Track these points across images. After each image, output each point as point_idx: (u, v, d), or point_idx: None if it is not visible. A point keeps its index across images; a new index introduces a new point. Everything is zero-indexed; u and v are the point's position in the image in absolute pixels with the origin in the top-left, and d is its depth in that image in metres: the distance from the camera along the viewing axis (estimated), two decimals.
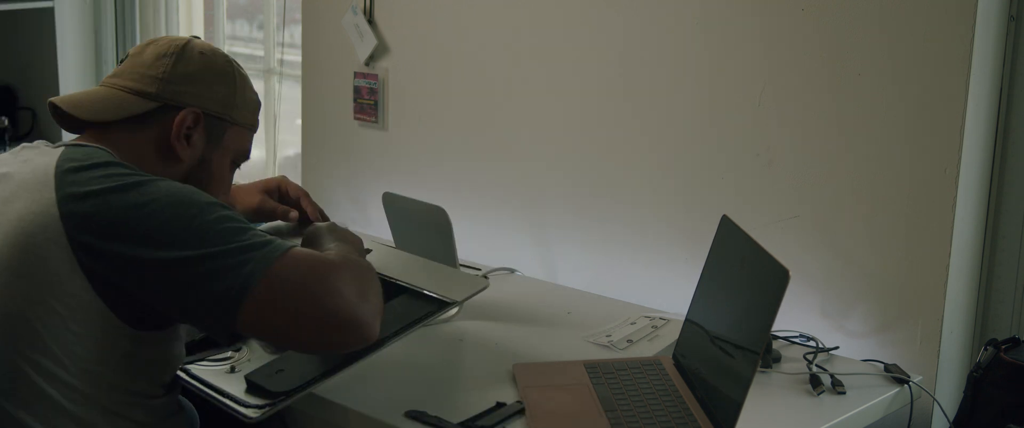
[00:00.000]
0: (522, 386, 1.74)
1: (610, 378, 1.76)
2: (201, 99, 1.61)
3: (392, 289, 1.81)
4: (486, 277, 2.07)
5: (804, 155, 2.07)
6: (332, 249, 1.58)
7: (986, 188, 1.97)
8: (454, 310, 2.03)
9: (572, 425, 1.63)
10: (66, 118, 1.61)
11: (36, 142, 1.62)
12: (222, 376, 1.71)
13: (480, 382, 1.79)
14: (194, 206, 1.43)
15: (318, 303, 1.39)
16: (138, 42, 3.65)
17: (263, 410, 1.58)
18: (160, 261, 1.39)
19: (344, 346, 1.44)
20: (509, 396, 1.73)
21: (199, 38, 1.69)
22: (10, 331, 1.44)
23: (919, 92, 1.92)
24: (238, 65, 1.69)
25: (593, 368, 1.80)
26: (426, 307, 1.77)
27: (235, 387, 1.66)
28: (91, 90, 1.65)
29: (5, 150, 3.44)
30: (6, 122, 3.45)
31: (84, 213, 1.41)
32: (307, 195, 1.99)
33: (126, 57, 1.65)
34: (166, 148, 1.59)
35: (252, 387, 1.64)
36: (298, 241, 1.61)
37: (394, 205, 2.26)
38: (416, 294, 1.82)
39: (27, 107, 3.59)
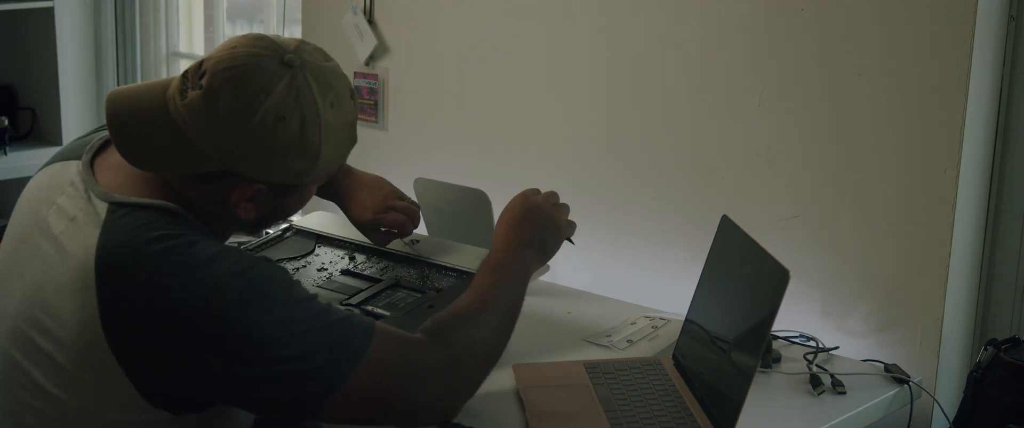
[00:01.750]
0: (522, 386, 1.74)
1: (610, 378, 1.76)
2: (265, 175, 1.38)
3: (458, 274, 1.97)
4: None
5: (804, 155, 2.07)
6: (502, 256, 1.57)
7: (986, 188, 1.96)
8: None
9: (572, 425, 1.63)
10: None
11: (74, 169, 1.43)
12: None
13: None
14: (254, 307, 1.29)
15: (400, 406, 1.35)
16: (138, 42, 3.64)
17: None
18: (219, 374, 1.29)
19: (434, 423, 1.43)
20: (509, 396, 1.73)
21: (296, 64, 1.37)
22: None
23: (919, 92, 1.91)
24: (328, 115, 1.39)
25: (593, 368, 1.80)
26: None
27: None
28: (159, 104, 1.37)
29: (6, 151, 3.44)
30: (6, 122, 3.44)
31: (128, 324, 1.28)
32: (412, 214, 1.96)
33: (207, 66, 1.35)
34: (224, 207, 1.42)
35: None
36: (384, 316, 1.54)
37: (428, 190, 2.28)
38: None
39: (27, 107, 3.59)
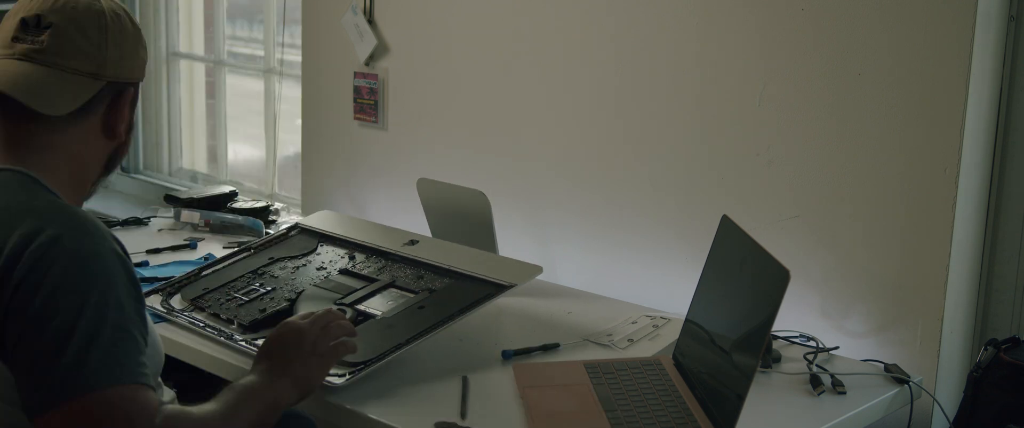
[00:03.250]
0: (522, 386, 1.75)
1: (610, 378, 1.76)
2: (135, 72, 1.57)
3: (452, 276, 2.00)
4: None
5: (804, 155, 2.07)
6: (250, 391, 1.49)
7: (986, 188, 1.97)
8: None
9: (572, 425, 1.63)
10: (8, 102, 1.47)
11: None
12: None
13: (481, 383, 1.79)
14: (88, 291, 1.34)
15: None
16: None
17: (346, 377, 1.70)
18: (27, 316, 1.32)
19: None
20: (509, 396, 1.73)
21: None
22: None
23: (919, 92, 1.92)
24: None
25: (593, 368, 1.80)
26: (485, 290, 1.93)
27: None
28: (21, 68, 1.49)
29: None
30: None
31: None
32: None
33: (32, 19, 1.50)
34: (108, 130, 1.54)
35: None
36: (149, 376, 1.43)
37: (430, 191, 2.29)
38: (472, 278, 1.97)
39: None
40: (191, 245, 2.58)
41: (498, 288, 1.94)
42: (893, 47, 1.93)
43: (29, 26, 1.50)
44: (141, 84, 1.61)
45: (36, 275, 1.33)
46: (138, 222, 2.78)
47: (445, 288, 1.97)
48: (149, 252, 2.50)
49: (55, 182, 1.48)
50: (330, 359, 1.62)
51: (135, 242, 2.53)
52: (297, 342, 1.59)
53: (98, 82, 1.51)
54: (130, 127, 1.59)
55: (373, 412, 1.66)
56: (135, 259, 2.44)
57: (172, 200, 2.87)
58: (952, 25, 1.85)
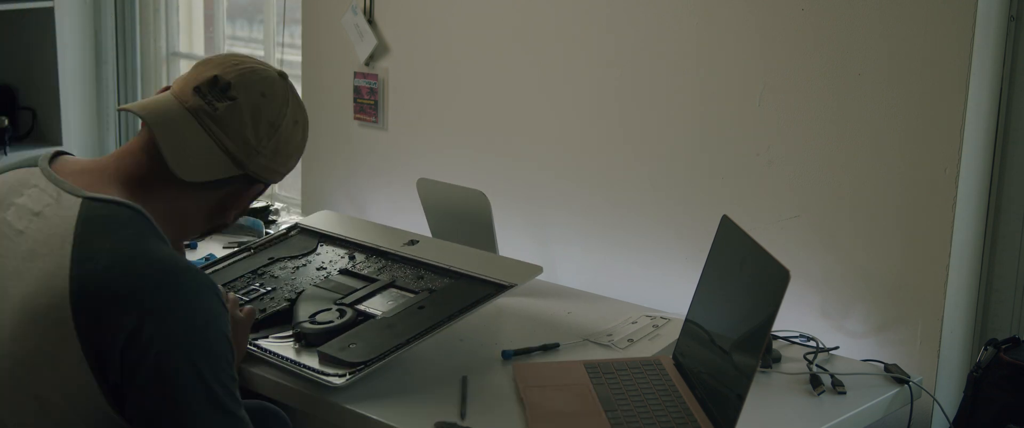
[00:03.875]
0: (522, 386, 1.75)
1: (610, 378, 1.76)
2: (275, 176, 1.58)
3: (452, 276, 2.00)
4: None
5: (804, 155, 2.07)
6: None
7: (986, 188, 1.96)
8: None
9: (572, 425, 1.63)
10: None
11: (34, 174, 1.48)
12: (292, 350, 1.82)
13: (481, 383, 1.79)
14: (209, 357, 1.36)
15: None
16: (138, 43, 3.64)
17: (346, 378, 1.70)
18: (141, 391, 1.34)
19: None
20: (509, 396, 1.73)
21: (287, 78, 1.59)
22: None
23: (919, 92, 1.91)
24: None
25: (593, 368, 1.80)
26: (485, 290, 1.93)
27: (309, 360, 1.78)
28: (184, 119, 1.49)
29: (5, 152, 3.44)
30: (6, 122, 3.44)
31: (96, 306, 1.34)
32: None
33: (224, 84, 1.49)
34: (220, 211, 1.56)
35: (325, 359, 1.75)
36: None
37: (430, 191, 2.29)
38: (472, 278, 1.97)
39: (27, 107, 3.59)
40: (191, 245, 2.58)
41: (498, 288, 1.93)
42: (893, 47, 1.93)
43: (217, 87, 1.50)
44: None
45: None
46: None
47: (445, 288, 1.97)
48: None
49: (165, 230, 1.46)
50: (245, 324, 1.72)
51: None
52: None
53: (238, 169, 1.51)
54: (241, 214, 1.61)
55: (373, 412, 1.66)
56: None
57: None
58: (952, 25, 1.85)
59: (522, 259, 2.10)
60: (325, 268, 2.11)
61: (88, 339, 1.33)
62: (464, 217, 2.26)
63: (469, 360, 1.87)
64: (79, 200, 1.41)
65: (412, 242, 2.14)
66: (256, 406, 1.89)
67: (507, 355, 1.88)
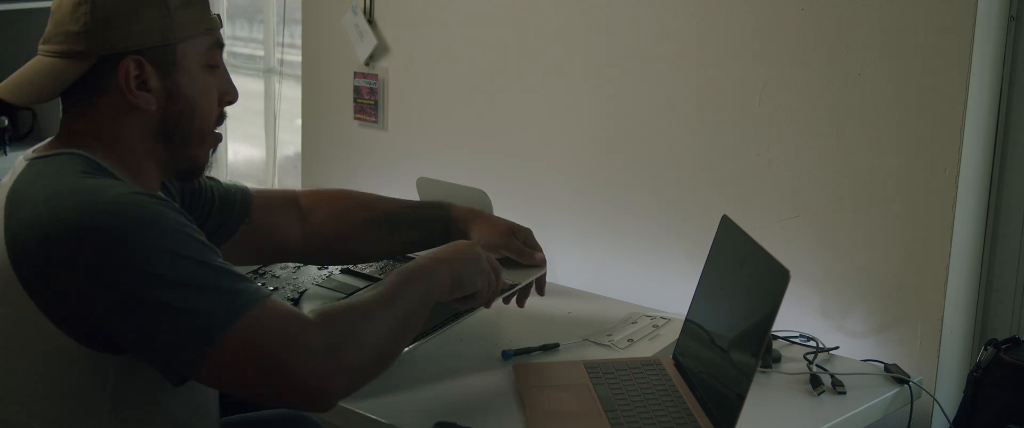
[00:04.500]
0: (522, 386, 1.74)
1: (610, 378, 1.76)
2: (132, 39, 1.44)
3: None
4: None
5: (804, 155, 2.07)
6: (401, 276, 1.50)
7: (986, 188, 1.97)
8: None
9: (572, 425, 1.63)
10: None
11: (31, 151, 1.51)
12: None
13: (481, 383, 1.79)
14: (149, 233, 1.31)
15: (274, 376, 1.31)
16: None
17: None
18: (111, 301, 1.30)
19: (307, 409, 1.39)
20: (509, 396, 1.73)
21: None
22: None
23: (919, 92, 1.92)
24: None
25: (593, 368, 1.80)
26: None
27: None
28: (30, 63, 1.51)
29: (6, 151, 3.44)
30: (6, 122, 3.45)
31: (29, 251, 1.32)
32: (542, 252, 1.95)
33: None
34: (128, 106, 1.46)
35: None
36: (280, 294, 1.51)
37: (430, 189, 2.29)
38: None
39: (27, 107, 3.59)
40: None
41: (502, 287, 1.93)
42: (893, 47, 1.93)
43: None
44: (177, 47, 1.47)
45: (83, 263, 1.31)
46: None
47: None
48: None
49: (115, 166, 1.45)
50: (489, 281, 1.65)
51: None
52: (471, 253, 1.63)
53: (85, 60, 1.44)
54: (173, 94, 1.48)
55: (373, 412, 1.66)
56: None
57: None
58: (952, 25, 1.85)
59: None
60: (327, 267, 2.11)
61: (37, 293, 1.33)
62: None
63: (469, 360, 1.87)
64: (26, 162, 1.45)
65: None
66: (291, 415, 1.88)
67: (507, 355, 1.88)
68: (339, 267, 2.10)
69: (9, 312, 1.36)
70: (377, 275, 2.05)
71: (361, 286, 2.00)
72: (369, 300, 1.44)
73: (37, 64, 1.49)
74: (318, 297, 1.97)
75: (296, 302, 1.97)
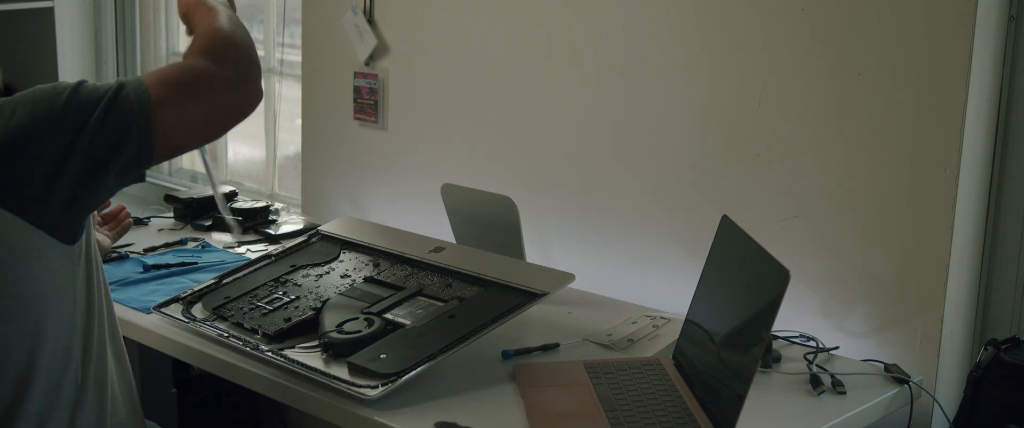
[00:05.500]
0: (522, 386, 1.75)
1: (610, 378, 1.76)
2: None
3: (482, 283, 1.97)
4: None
5: (804, 155, 2.07)
6: (198, 10, 1.64)
7: (986, 188, 1.96)
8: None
9: (572, 425, 1.63)
10: None
11: None
12: (321, 361, 1.80)
13: (481, 383, 1.79)
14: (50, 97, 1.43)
15: (212, 94, 1.49)
16: (138, 43, 3.65)
17: (379, 389, 1.68)
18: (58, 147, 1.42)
19: (244, 115, 1.54)
20: (509, 396, 1.73)
21: None
22: None
23: (919, 92, 1.91)
24: None
25: (593, 368, 1.80)
26: (517, 298, 1.89)
27: (339, 370, 1.75)
28: None
29: None
30: None
31: None
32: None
33: None
34: None
35: (355, 370, 1.73)
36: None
37: (455, 196, 2.27)
38: (502, 286, 1.94)
39: None
40: (182, 242, 2.61)
41: (530, 296, 1.89)
42: (893, 47, 1.93)
43: None
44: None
45: None
46: (138, 222, 2.79)
47: (475, 296, 1.93)
48: (147, 251, 2.53)
49: None
50: None
51: (135, 242, 2.58)
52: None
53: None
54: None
55: (373, 412, 1.66)
56: (134, 257, 2.46)
57: (172, 200, 2.88)
58: (952, 25, 1.85)
59: (522, 258, 2.10)
60: (349, 276, 2.08)
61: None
62: (490, 223, 2.23)
63: (469, 360, 1.87)
64: None
65: (438, 249, 2.11)
66: None
67: (507, 355, 1.88)
68: (362, 276, 2.08)
69: None
70: (401, 283, 2.02)
71: (385, 295, 1.98)
72: (215, 25, 1.60)
73: None
74: (340, 307, 1.95)
75: (318, 312, 1.94)
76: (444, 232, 2.34)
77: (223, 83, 1.50)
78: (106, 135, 1.42)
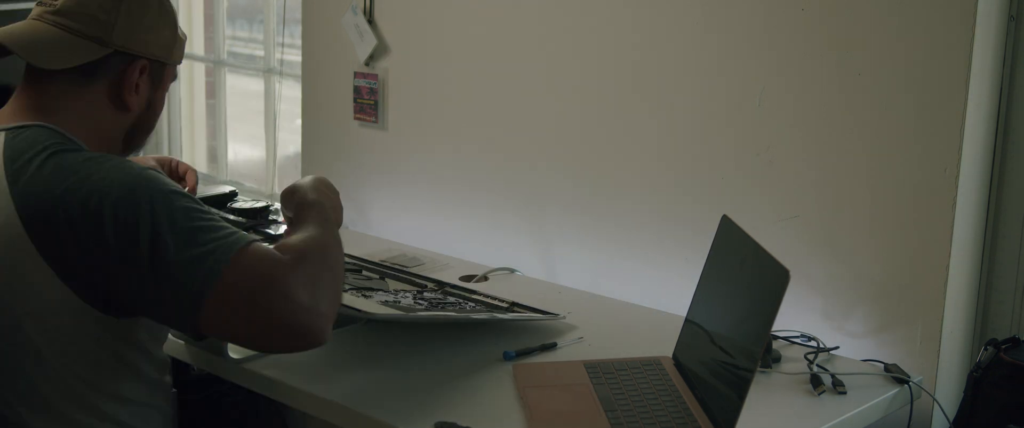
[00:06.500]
0: (522, 386, 1.75)
1: (610, 378, 1.76)
2: (149, 47, 1.60)
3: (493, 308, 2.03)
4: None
5: (804, 155, 2.07)
6: (309, 213, 1.55)
7: (986, 188, 1.97)
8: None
9: (572, 425, 1.63)
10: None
11: None
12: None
13: (481, 383, 1.79)
14: (149, 199, 1.41)
15: (268, 312, 1.37)
16: None
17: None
18: (120, 259, 1.40)
19: (294, 350, 1.42)
20: (509, 396, 1.73)
21: None
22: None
23: (919, 92, 1.91)
24: None
25: (593, 368, 1.80)
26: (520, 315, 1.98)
27: None
28: (32, 25, 1.60)
29: None
30: None
31: (43, 213, 1.42)
32: (193, 172, 2.09)
33: None
34: (117, 100, 1.59)
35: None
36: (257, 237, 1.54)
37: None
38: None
39: None
40: None
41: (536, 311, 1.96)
42: (893, 47, 1.93)
43: None
44: (167, 67, 1.66)
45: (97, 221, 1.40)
46: None
47: (478, 309, 1.97)
48: None
49: (80, 139, 1.55)
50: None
51: None
52: (323, 185, 1.66)
53: (104, 48, 1.55)
54: (151, 105, 1.64)
55: (373, 412, 1.66)
56: None
57: None
58: (952, 25, 1.85)
59: (522, 259, 2.10)
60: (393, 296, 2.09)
61: (49, 255, 1.42)
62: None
63: (469, 360, 1.87)
64: (2, 134, 1.53)
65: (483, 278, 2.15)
66: None
67: (508, 355, 1.88)
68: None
69: (20, 270, 1.44)
70: (440, 300, 2.06)
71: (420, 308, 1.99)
72: (313, 236, 1.49)
73: (48, 32, 1.56)
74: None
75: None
76: (445, 231, 2.34)
77: (293, 304, 1.39)
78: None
